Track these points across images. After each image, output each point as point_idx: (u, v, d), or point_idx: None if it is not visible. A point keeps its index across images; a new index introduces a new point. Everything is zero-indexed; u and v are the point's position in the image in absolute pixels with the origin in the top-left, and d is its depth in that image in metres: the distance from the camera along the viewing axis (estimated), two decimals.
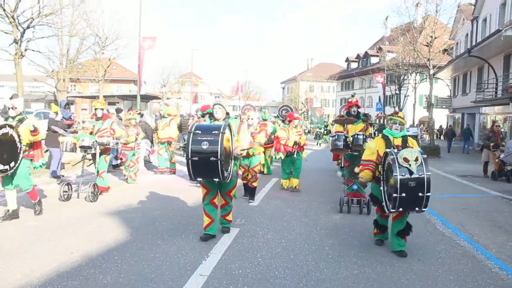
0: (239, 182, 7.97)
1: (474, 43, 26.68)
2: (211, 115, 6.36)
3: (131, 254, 5.41)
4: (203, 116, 12.88)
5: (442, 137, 41.52)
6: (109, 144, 9.11)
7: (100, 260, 5.15)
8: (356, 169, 7.82)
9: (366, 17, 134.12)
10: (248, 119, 9.49)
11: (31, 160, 7.24)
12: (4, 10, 15.93)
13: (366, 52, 58.49)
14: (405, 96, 36.79)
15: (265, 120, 12.84)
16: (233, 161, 5.97)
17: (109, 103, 33.35)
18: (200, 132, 5.45)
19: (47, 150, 13.25)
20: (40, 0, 17.41)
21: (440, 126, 43.45)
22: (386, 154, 5.59)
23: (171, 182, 11.45)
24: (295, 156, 10.18)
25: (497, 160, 13.71)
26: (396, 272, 5.10)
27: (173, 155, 13.08)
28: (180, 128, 15.83)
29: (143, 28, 22.08)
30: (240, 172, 9.04)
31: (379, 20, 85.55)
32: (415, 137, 22.70)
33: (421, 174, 5.15)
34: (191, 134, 5.46)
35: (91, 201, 8.35)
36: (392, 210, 5.34)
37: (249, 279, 4.71)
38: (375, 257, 5.58)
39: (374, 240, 6.20)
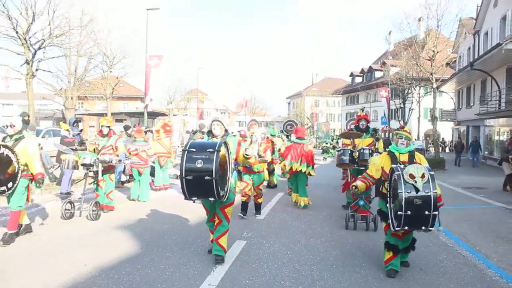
0: (237, 198, 7.69)
1: (476, 57, 26.91)
2: (209, 132, 6.21)
3: (142, 266, 5.62)
4: (193, 133, 13.17)
5: (447, 150, 41.59)
6: (111, 162, 8.97)
7: (113, 272, 5.36)
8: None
9: (369, 31, 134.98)
10: (252, 135, 9.50)
11: (31, 179, 6.90)
12: (17, 32, 16.46)
13: (370, 67, 58.91)
14: (409, 110, 36.97)
15: (273, 135, 13.04)
16: (230, 179, 5.71)
17: (117, 120, 33.84)
18: (194, 150, 5.27)
19: (57, 167, 13.62)
20: (51, 22, 17.95)
21: (443, 139, 43.45)
22: (392, 170, 5.35)
23: (174, 198, 11.38)
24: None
25: None
26: (398, 281, 5.26)
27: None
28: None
29: (148, 45, 22.64)
30: (241, 188, 9.09)
31: (382, 33, 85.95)
32: (420, 150, 22.89)
33: (428, 192, 4.90)
34: (185, 152, 5.30)
35: (93, 220, 8.26)
36: (397, 229, 5.10)
37: None
38: (378, 267, 5.74)
39: (385, 270, 5.53)
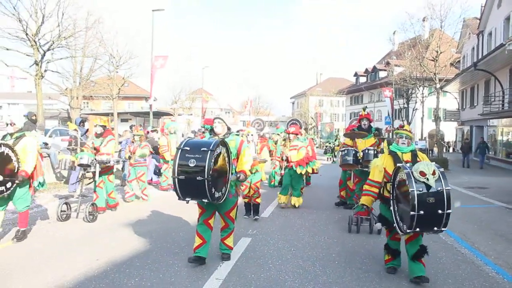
0: (240, 200, 7.44)
1: (480, 57, 27.03)
2: (211, 131, 6.04)
3: (152, 260, 5.85)
4: (204, 131, 13.18)
5: (451, 150, 41.63)
6: (109, 162, 8.84)
7: (124, 266, 5.60)
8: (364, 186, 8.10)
9: (373, 31, 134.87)
10: (248, 135, 9.22)
11: (30, 179, 6.81)
12: (26, 34, 16.78)
13: (374, 67, 59.02)
14: (413, 110, 37.08)
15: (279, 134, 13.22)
16: (229, 181, 5.54)
17: (122, 120, 34.14)
18: (188, 148, 5.09)
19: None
20: (60, 24, 18.26)
21: (443, 139, 43.33)
22: (397, 169, 5.16)
23: None
24: (282, 172, 9.98)
25: None
26: (398, 276, 5.46)
27: None
28: None
29: (154, 45, 22.86)
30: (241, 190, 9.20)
31: (386, 33, 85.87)
32: (424, 150, 22.99)
33: (440, 189, 4.69)
34: (179, 150, 5.12)
35: (89, 222, 8.07)
36: (408, 231, 4.83)
37: (261, 282, 5.13)
38: (379, 263, 5.94)
39: (385, 268, 5.58)
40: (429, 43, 28.99)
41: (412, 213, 4.64)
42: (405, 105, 38.35)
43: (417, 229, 4.77)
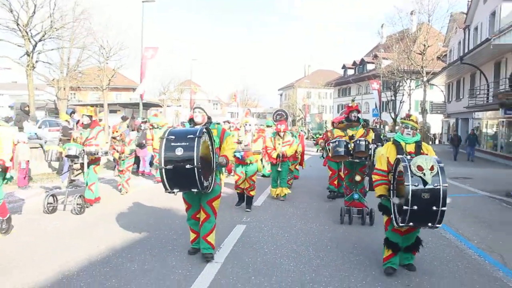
0: (231, 191, 7.19)
1: (466, 51, 27.53)
2: (191, 120, 5.91)
3: (151, 246, 6.09)
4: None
5: (437, 142, 42.31)
6: (97, 154, 8.62)
7: (125, 251, 5.83)
8: (357, 178, 8.08)
9: (363, 25, 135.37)
10: (246, 124, 9.17)
11: (5, 170, 6.43)
12: (18, 24, 16.72)
13: (362, 59, 59.42)
14: (400, 102, 37.66)
15: (269, 126, 13.40)
16: (215, 170, 5.44)
17: (111, 111, 34.04)
18: (173, 137, 4.93)
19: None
20: (51, 15, 18.19)
21: (429, 131, 43.93)
22: (397, 160, 5.03)
23: None
24: (279, 169, 9.96)
25: None
26: None
27: None
28: None
29: (144, 37, 22.80)
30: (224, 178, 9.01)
31: (375, 27, 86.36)
32: None
33: (437, 185, 4.57)
34: (164, 140, 4.94)
35: (77, 214, 7.94)
36: (401, 224, 4.78)
37: (258, 265, 5.41)
38: (369, 247, 6.26)
39: (383, 268, 5.30)
40: (416, 36, 29.43)
41: (405, 207, 4.58)
42: (393, 98, 38.91)
43: (411, 224, 4.71)
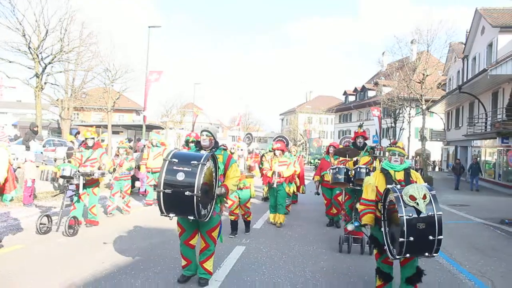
0: (225, 218, 7.08)
1: (465, 80, 28.04)
2: (197, 143, 5.72)
3: (154, 264, 6.33)
4: (187, 143, 12.04)
5: (437, 169, 42.51)
6: (93, 175, 8.49)
7: (129, 268, 6.07)
8: (358, 206, 8.15)
9: (364, 53, 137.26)
10: (238, 149, 9.05)
11: (2, 192, 6.58)
12: (29, 48, 17.30)
13: (363, 86, 60.12)
14: (400, 129, 38.04)
15: (271, 151, 13.63)
16: (215, 198, 5.27)
17: (113, 132, 34.42)
18: (177, 160, 4.78)
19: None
20: (61, 39, 18.80)
21: (428, 158, 43.99)
22: (387, 191, 4.91)
23: None
24: (275, 186, 9.67)
25: None
26: None
27: None
28: None
29: (149, 61, 23.36)
30: (227, 206, 8.66)
31: (378, 52, 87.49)
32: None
33: (431, 214, 4.45)
34: (166, 162, 4.81)
35: (68, 236, 7.77)
36: (397, 257, 4.63)
37: (256, 284, 5.66)
38: (363, 270, 6.48)
39: None
40: (416, 66, 30.02)
41: (401, 239, 4.40)
42: (393, 125, 39.31)
43: (407, 255, 4.55)
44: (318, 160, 31.41)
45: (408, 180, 5.10)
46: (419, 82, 26.72)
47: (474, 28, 28.14)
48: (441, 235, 4.43)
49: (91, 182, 8.70)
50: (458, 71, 33.20)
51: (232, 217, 8.62)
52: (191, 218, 4.87)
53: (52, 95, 28.73)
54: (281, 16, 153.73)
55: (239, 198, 8.58)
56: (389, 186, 4.97)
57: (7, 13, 17.44)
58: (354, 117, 61.80)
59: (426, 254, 4.52)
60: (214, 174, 5.16)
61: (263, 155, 12.36)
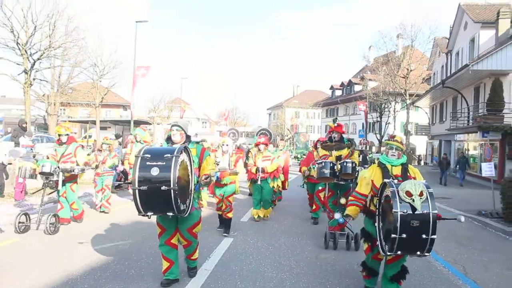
0: (213, 212, 7.26)
1: (448, 75, 28.62)
2: (168, 139, 5.57)
3: (147, 255, 6.64)
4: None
5: (422, 163, 43.22)
6: (73, 171, 8.33)
7: (123, 259, 6.38)
8: (342, 200, 7.96)
9: (353, 47, 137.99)
10: (223, 145, 8.86)
11: None
12: (17, 44, 17.36)
13: (350, 80, 60.70)
14: (386, 123, 38.65)
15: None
16: (192, 192, 5.11)
17: (101, 128, 34.45)
18: (149, 156, 4.60)
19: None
20: (50, 35, 18.87)
21: (413, 153, 44.63)
22: (384, 184, 4.81)
23: None
24: (259, 183, 9.65)
25: None
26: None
27: None
28: None
29: (136, 56, 23.42)
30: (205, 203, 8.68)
31: (366, 46, 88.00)
32: None
33: (426, 212, 4.33)
34: (139, 158, 4.61)
35: (50, 234, 7.66)
36: (388, 253, 4.54)
37: (244, 272, 5.99)
38: (345, 259, 6.88)
39: (364, 285, 5.43)
40: (401, 61, 30.54)
41: (393, 235, 4.31)
42: (378, 119, 39.93)
43: (399, 252, 4.48)
44: (304, 155, 31.82)
45: (405, 176, 5.00)
46: (403, 77, 27.21)
47: (457, 23, 28.71)
48: (435, 234, 4.33)
49: (69, 179, 8.51)
50: (442, 66, 33.80)
51: (219, 212, 8.72)
52: (170, 214, 4.70)
53: (38, 90, 28.70)
54: (268, 9, 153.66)
55: (223, 195, 8.49)
56: (386, 180, 4.83)
57: None
58: (341, 111, 62.40)
59: (418, 252, 4.43)
60: (189, 167, 5.02)
61: (249, 150, 12.35)
